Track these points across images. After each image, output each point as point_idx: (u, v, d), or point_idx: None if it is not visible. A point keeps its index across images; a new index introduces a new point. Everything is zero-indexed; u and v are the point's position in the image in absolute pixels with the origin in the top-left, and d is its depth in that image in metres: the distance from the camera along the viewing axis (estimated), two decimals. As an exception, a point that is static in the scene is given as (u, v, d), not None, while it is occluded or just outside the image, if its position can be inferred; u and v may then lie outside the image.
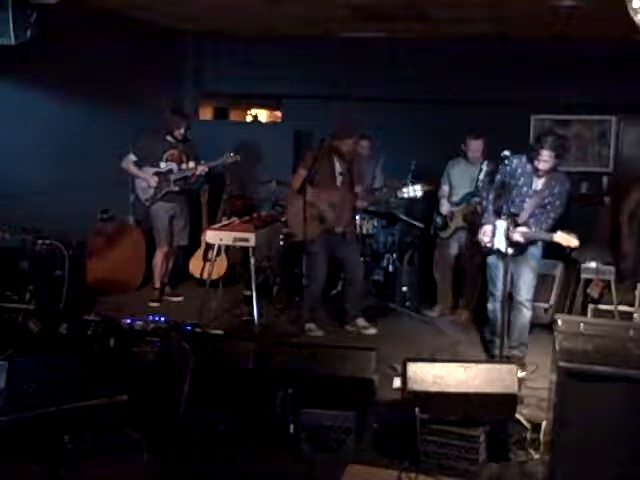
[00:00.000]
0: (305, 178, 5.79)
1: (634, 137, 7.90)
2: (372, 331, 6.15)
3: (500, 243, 5.09)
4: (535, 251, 5.26)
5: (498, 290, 5.21)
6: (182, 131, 6.72)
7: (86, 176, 6.73)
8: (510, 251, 4.91)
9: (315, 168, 5.85)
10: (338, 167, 6.05)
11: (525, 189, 5.18)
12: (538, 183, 5.17)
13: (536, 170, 5.12)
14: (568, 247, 4.98)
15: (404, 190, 5.98)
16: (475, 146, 6.47)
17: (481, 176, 6.39)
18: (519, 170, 5.17)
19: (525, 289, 5.29)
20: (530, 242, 5.17)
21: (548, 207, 5.13)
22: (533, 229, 5.13)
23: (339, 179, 6.07)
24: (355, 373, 4.33)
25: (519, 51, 7.46)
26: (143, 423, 3.97)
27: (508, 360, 4.84)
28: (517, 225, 5.06)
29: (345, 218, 6.05)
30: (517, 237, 5.02)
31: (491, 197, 5.26)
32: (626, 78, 7.13)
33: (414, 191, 5.96)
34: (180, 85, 8.74)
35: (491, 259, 5.34)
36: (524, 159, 5.16)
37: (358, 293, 6.25)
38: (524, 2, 5.66)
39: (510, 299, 5.26)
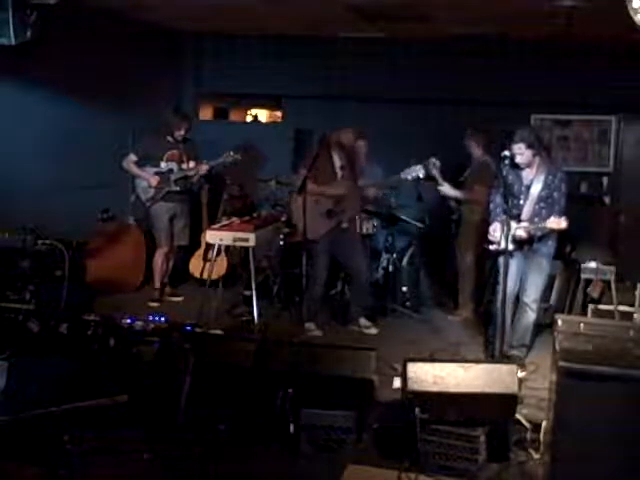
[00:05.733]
0: (305, 176, 5.78)
1: (634, 137, 7.90)
2: (374, 331, 6.15)
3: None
4: (545, 250, 5.21)
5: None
6: (182, 131, 6.73)
7: (86, 176, 6.74)
8: (511, 247, 4.88)
9: (315, 165, 5.85)
10: (338, 161, 6.04)
11: (516, 187, 5.16)
12: (527, 178, 5.15)
13: (517, 167, 5.11)
14: (559, 230, 4.92)
15: (406, 171, 5.76)
16: (472, 142, 6.48)
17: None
18: (508, 169, 5.15)
19: (532, 290, 5.26)
20: (539, 239, 5.12)
21: (549, 200, 5.09)
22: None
23: (340, 173, 6.06)
24: (355, 373, 4.32)
25: (519, 51, 7.46)
26: (143, 423, 3.97)
27: (508, 360, 4.84)
28: (520, 222, 5.05)
29: (350, 211, 6.04)
30: (520, 232, 5.01)
31: (497, 198, 5.24)
32: (626, 78, 7.13)
33: (415, 171, 5.70)
34: (180, 85, 8.73)
35: (501, 260, 5.26)
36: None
37: (362, 291, 6.24)
38: (524, 2, 5.66)
39: (516, 299, 5.24)
